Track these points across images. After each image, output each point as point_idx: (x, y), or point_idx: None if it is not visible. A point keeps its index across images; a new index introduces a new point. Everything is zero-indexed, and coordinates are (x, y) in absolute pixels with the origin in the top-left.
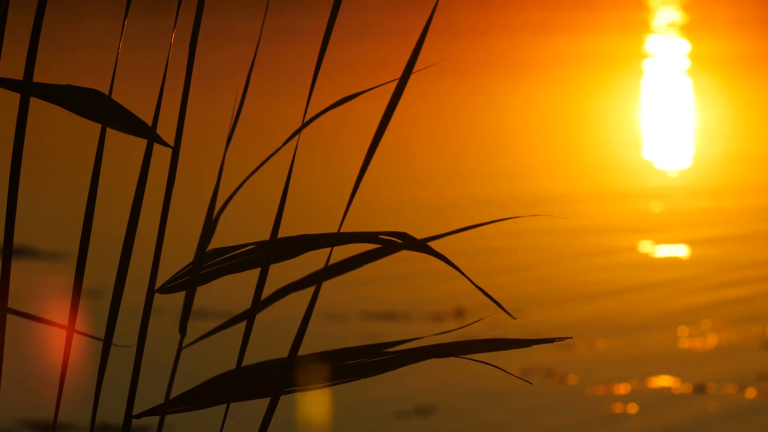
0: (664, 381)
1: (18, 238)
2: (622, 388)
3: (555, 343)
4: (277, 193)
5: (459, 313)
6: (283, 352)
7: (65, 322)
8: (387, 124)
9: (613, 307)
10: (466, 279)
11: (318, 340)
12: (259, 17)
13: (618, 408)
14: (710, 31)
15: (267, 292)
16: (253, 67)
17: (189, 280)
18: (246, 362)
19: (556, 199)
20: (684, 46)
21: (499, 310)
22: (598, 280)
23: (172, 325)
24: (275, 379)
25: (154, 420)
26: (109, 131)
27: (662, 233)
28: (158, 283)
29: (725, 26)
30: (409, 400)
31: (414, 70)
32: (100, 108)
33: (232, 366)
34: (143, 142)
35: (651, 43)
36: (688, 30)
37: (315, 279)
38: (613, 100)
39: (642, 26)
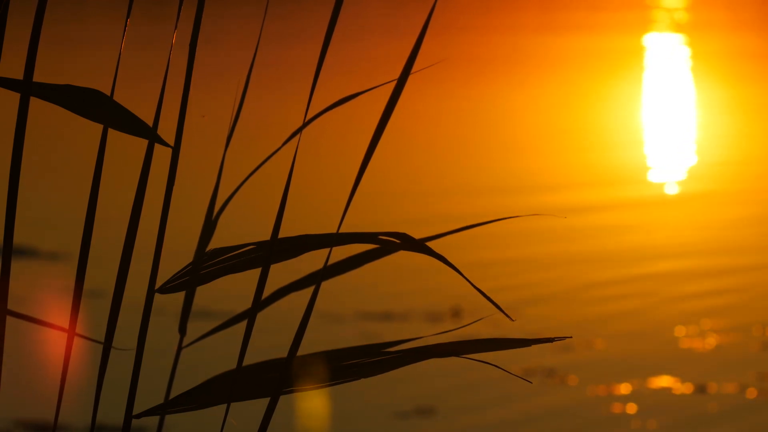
0: (664, 381)
1: (18, 238)
2: (622, 388)
3: (555, 343)
4: (277, 193)
5: (456, 313)
6: (281, 352)
7: (65, 323)
8: (386, 125)
9: (613, 307)
10: (465, 279)
11: (315, 341)
12: (259, 18)
13: (618, 408)
14: (712, 29)
15: (266, 292)
16: (253, 65)
17: (189, 280)
18: (246, 362)
19: (556, 198)
20: (685, 45)
21: (498, 309)
22: (598, 279)
23: (172, 325)
24: (275, 379)
25: (153, 420)
26: (110, 131)
27: (662, 233)
28: (158, 283)
29: (726, 24)
30: (409, 400)
31: (412, 71)
32: (100, 108)
33: (232, 366)
34: (144, 143)
35: (652, 42)
36: (689, 28)
37: (314, 279)
38: (614, 100)
39: (643, 26)
